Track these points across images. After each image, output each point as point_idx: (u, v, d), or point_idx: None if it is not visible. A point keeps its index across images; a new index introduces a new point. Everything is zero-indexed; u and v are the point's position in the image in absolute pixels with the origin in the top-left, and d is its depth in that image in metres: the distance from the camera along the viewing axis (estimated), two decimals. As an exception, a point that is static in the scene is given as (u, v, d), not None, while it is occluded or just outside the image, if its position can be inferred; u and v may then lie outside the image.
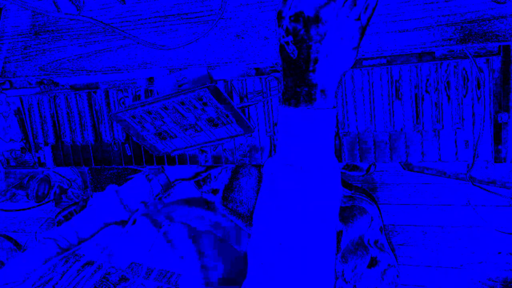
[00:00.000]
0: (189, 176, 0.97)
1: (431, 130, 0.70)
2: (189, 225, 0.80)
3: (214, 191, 0.99)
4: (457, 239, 1.42)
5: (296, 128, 0.53)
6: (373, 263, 1.02)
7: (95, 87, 0.84)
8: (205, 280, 0.65)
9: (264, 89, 0.75)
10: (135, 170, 1.14)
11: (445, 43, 0.65)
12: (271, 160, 0.57)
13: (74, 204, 1.49)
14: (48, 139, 0.90)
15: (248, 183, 0.93)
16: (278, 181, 0.54)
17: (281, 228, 0.52)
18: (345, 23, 0.52)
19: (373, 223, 1.05)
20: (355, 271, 0.94)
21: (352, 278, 0.93)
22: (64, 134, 0.88)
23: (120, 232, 0.76)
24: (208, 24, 0.74)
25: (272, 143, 0.78)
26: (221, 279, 0.68)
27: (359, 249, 0.98)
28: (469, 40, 0.64)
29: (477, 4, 0.62)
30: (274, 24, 0.71)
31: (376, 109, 0.71)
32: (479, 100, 0.67)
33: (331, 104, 0.55)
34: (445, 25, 0.64)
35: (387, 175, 1.46)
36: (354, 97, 0.72)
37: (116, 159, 0.87)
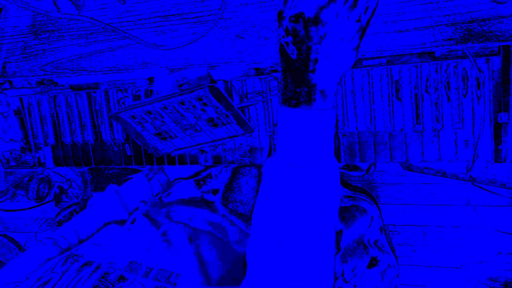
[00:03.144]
0: (189, 175, 0.97)
1: (431, 130, 0.70)
2: (188, 225, 0.80)
3: (214, 191, 0.99)
4: (457, 239, 1.42)
5: (295, 128, 0.53)
6: (373, 263, 1.02)
7: (95, 87, 0.84)
8: (204, 279, 0.65)
9: (264, 89, 0.75)
10: (135, 170, 1.14)
11: (445, 43, 0.65)
12: (270, 160, 0.57)
13: (74, 204, 1.49)
14: (48, 139, 0.90)
15: (248, 183, 0.93)
16: (277, 181, 0.54)
17: (281, 228, 0.52)
18: (345, 24, 0.52)
19: (373, 223, 1.05)
20: (355, 271, 0.94)
21: (352, 278, 0.93)
22: (64, 134, 0.88)
23: (118, 231, 0.76)
24: (208, 24, 0.74)
25: (272, 143, 0.78)
26: (221, 279, 0.68)
27: (359, 249, 0.98)
28: (469, 40, 0.64)
29: (477, 4, 0.62)
30: (274, 24, 0.71)
31: (376, 109, 0.71)
32: (479, 100, 0.67)
33: (331, 104, 0.55)
34: (445, 25, 0.64)
35: (387, 175, 1.46)
36: (354, 97, 0.72)
37: (116, 159, 0.87)
